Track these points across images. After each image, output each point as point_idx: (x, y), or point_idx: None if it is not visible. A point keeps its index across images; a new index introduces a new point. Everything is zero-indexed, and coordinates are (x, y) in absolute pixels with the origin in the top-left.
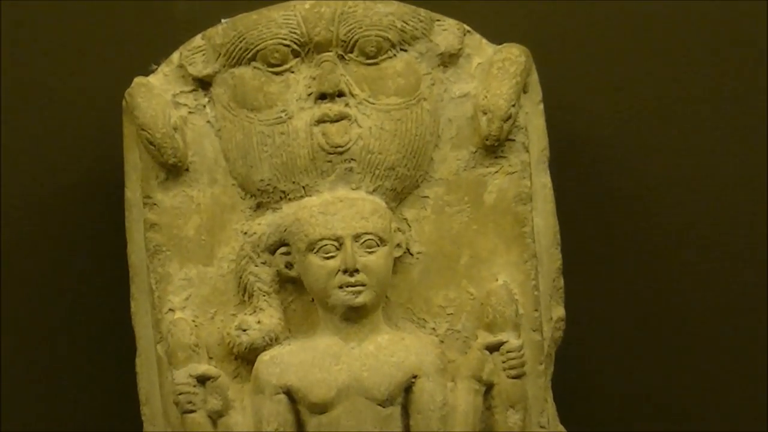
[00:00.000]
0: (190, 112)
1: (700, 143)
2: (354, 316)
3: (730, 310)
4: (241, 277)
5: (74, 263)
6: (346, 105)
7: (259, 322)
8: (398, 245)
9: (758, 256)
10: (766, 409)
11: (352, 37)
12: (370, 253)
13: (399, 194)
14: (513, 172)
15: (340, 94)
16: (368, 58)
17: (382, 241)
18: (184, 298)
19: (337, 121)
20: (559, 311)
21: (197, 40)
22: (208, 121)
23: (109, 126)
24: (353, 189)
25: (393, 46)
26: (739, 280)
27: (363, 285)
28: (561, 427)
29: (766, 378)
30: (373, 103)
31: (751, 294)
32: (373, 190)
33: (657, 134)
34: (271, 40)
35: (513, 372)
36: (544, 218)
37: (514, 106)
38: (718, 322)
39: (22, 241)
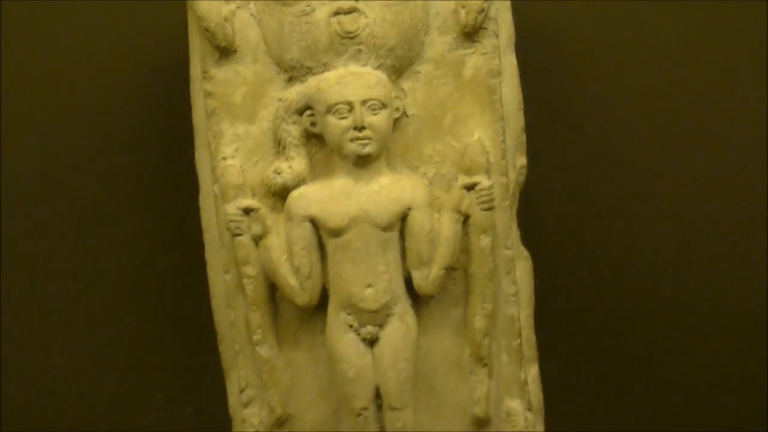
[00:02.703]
0: (237, 8)
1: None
2: (362, 162)
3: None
4: (276, 133)
5: (154, 126)
6: (357, 0)
7: (290, 167)
8: (396, 109)
9: None
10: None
11: None
12: (374, 114)
13: (397, 70)
14: (486, 53)
15: None
16: None
17: (383, 105)
18: (234, 150)
19: (349, 13)
20: (522, 160)
21: None
22: (251, 14)
23: (178, 19)
24: (362, 66)
25: None
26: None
27: (369, 139)
28: (524, 249)
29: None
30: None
31: None
32: (377, 67)
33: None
34: None
35: (485, 206)
36: (510, 89)
37: (486, 1)
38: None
39: (112, 109)
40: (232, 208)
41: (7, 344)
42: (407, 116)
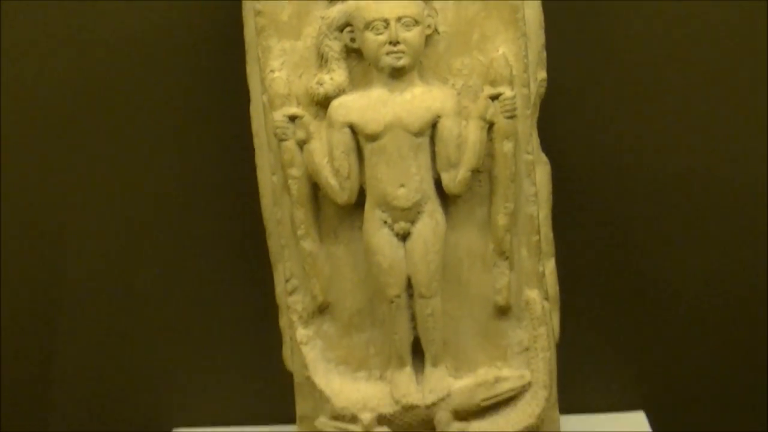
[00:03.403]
0: None
1: None
2: (396, 74)
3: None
4: (319, 48)
5: (213, 51)
6: None
7: (331, 78)
8: (428, 26)
9: None
10: None
11: None
12: (408, 30)
13: None
14: None
15: None
16: None
17: (416, 22)
18: (281, 63)
19: None
20: (543, 74)
21: None
22: None
23: None
24: None
25: None
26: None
27: (403, 52)
28: (543, 155)
29: None
30: None
31: None
32: None
33: None
34: None
35: (507, 114)
36: (532, 9)
37: None
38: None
39: (171, 27)
40: (279, 115)
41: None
42: (438, 33)
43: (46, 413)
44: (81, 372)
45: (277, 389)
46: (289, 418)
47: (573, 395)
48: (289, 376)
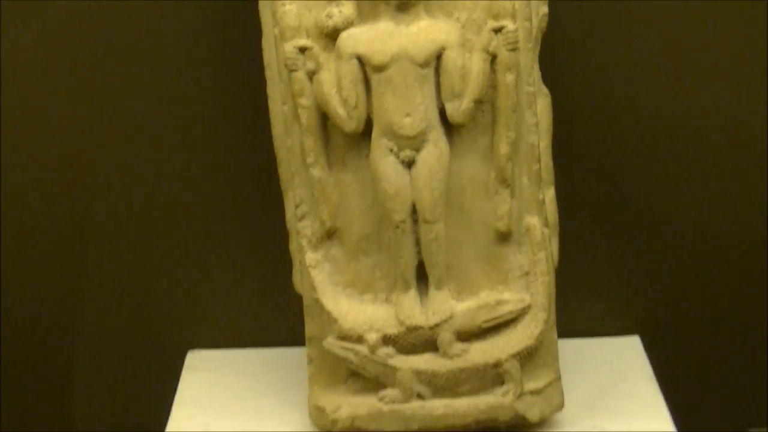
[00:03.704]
0: None
1: None
2: (403, 8)
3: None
4: None
5: None
6: None
7: (340, 11)
8: None
9: None
10: None
11: None
12: None
13: None
14: None
15: None
16: None
17: None
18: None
19: None
20: (544, 9)
21: None
22: None
23: None
24: None
25: None
26: None
27: None
28: (544, 87)
29: None
30: None
31: None
32: None
33: None
34: None
35: (510, 47)
36: None
37: None
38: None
39: None
40: (290, 47)
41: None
42: None
43: (63, 335)
44: (98, 297)
45: (288, 312)
46: (300, 341)
47: (570, 320)
48: (299, 299)
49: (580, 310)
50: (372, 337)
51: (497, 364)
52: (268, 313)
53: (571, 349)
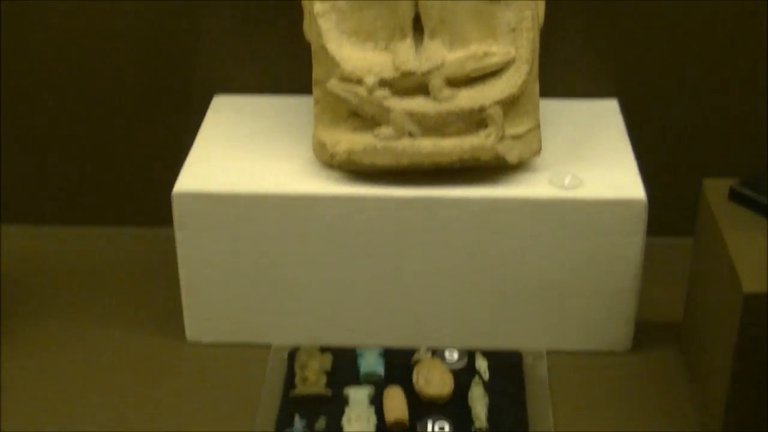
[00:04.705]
0: None
1: None
2: None
3: None
4: None
5: None
6: None
7: None
8: None
9: None
10: None
11: None
12: None
13: None
14: None
15: None
16: None
17: None
18: None
19: None
20: None
21: None
22: None
23: None
24: None
25: None
26: None
27: None
28: None
29: None
30: None
31: None
32: None
33: None
34: None
35: None
36: None
37: None
38: None
39: None
40: None
41: None
42: None
43: (90, 76)
44: (126, 43)
45: (304, 64)
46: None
47: (552, 82)
48: (308, 46)
49: (563, 72)
50: (370, 79)
51: (482, 109)
52: (288, 63)
53: (552, 108)
